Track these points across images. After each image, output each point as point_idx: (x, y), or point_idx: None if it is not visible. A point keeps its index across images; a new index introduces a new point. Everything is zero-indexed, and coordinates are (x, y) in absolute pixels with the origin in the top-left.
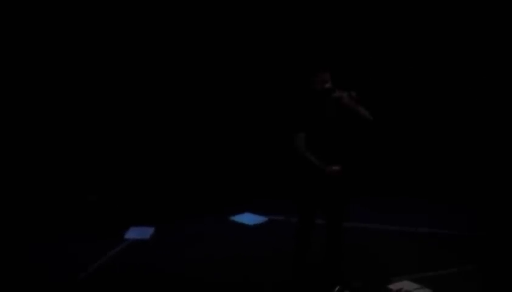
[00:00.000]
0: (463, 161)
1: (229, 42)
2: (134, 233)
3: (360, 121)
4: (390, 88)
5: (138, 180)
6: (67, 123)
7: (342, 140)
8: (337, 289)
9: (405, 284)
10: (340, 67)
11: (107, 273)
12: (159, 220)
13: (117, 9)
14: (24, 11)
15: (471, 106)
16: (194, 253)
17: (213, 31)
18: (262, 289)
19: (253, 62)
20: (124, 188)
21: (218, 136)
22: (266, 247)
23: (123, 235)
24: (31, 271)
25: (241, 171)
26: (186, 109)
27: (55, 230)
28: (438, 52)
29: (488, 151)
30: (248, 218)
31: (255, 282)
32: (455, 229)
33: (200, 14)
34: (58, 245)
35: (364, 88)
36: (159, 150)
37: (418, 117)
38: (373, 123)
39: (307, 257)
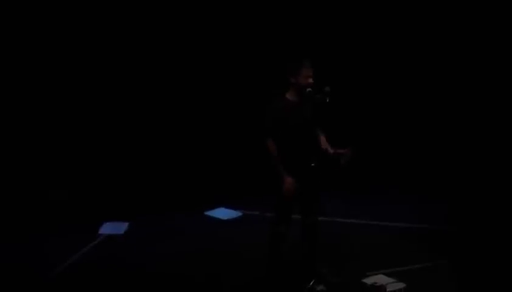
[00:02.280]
0: (438, 155)
1: (205, 38)
2: (108, 229)
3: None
4: (365, 78)
5: (112, 176)
6: (37, 118)
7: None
8: (311, 283)
9: (380, 278)
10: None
11: (81, 268)
12: (133, 215)
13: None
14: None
15: (446, 98)
16: (168, 248)
17: (191, 29)
18: (237, 284)
19: (229, 59)
20: (98, 183)
21: (192, 132)
22: (240, 242)
23: (97, 230)
24: (4, 268)
25: (215, 167)
26: (160, 104)
27: (27, 226)
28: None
29: (463, 145)
30: (222, 213)
31: (229, 277)
32: (430, 223)
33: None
34: (31, 242)
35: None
36: (133, 145)
37: (395, 110)
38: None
39: (283, 252)
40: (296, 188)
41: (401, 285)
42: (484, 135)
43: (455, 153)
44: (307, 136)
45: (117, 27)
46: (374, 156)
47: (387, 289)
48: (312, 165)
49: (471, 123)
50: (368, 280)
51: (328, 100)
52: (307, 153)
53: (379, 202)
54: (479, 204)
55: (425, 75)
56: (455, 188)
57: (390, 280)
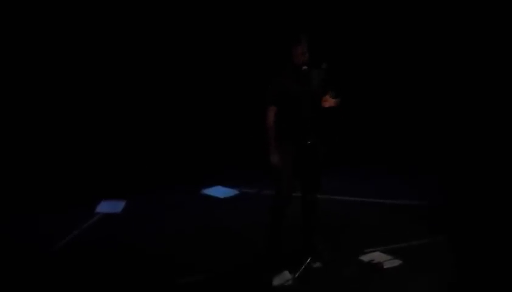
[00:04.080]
0: (435, 131)
1: (198, 17)
2: (105, 207)
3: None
4: (361, 58)
5: (109, 154)
6: (33, 98)
7: (321, 112)
8: (308, 260)
9: (377, 255)
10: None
11: (79, 247)
12: (130, 193)
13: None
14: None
15: (440, 74)
16: (165, 226)
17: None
18: (234, 263)
19: (228, 34)
20: (95, 161)
21: (190, 108)
22: (238, 220)
23: (94, 209)
24: (1, 245)
25: (212, 144)
26: (157, 81)
27: (25, 205)
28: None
29: (461, 122)
30: (219, 191)
31: (226, 255)
32: (428, 199)
33: None
34: (28, 220)
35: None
36: (129, 122)
37: (390, 87)
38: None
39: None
40: (288, 164)
41: (398, 262)
42: (480, 112)
43: (454, 130)
44: (308, 111)
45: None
46: (374, 133)
47: (384, 266)
48: (309, 143)
49: (469, 101)
50: (365, 257)
51: (324, 77)
52: (306, 129)
53: (377, 180)
54: (477, 180)
55: (416, 58)
56: (453, 165)
57: (387, 257)
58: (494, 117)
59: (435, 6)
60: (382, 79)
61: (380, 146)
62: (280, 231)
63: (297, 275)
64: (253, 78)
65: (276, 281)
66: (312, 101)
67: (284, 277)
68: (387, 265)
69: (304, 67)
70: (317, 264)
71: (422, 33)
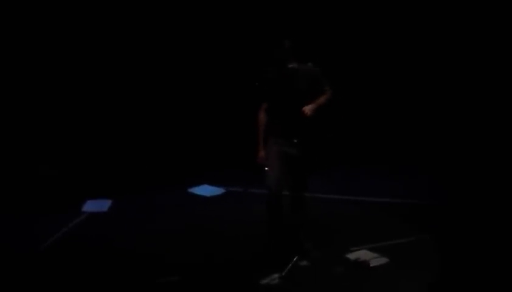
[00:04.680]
0: (423, 130)
1: (186, 11)
2: (91, 206)
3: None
4: (349, 54)
5: (95, 153)
6: (21, 98)
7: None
8: (295, 259)
9: (363, 253)
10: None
11: (65, 246)
12: (116, 193)
13: None
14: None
15: (429, 71)
16: (152, 225)
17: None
18: (221, 260)
19: (217, 31)
20: (81, 160)
21: (176, 107)
22: (224, 219)
23: (80, 208)
24: None
25: (198, 143)
26: (143, 80)
27: (10, 205)
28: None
29: (448, 120)
30: (205, 190)
31: (213, 253)
32: (414, 198)
33: None
34: (14, 220)
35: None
36: (115, 123)
37: (379, 84)
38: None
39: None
40: (275, 161)
41: (384, 260)
42: (468, 110)
43: (441, 129)
44: (294, 109)
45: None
46: (359, 132)
47: (370, 264)
48: (295, 141)
49: (458, 98)
50: (352, 256)
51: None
52: (292, 128)
53: (363, 178)
54: (463, 179)
55: (409, 56)
56: (442, 165)
57: (374, 255)
58: (483, 117)
59: (432, 4)
60: (373, 76)
61: (370, 145)
62: (275, 228)
63: (283, 273)
64: (239, 77)
65: (263, 280)
66: (298, 100)
67: (271, 275)
68: (373, 263)
69: (291, 65)
70: (304, 263)
71: (415, 31)
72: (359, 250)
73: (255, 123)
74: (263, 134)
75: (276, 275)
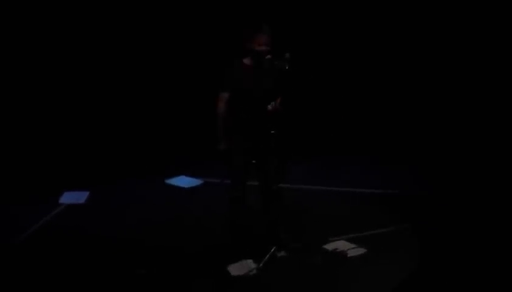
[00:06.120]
0: (403, 120)
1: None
2: (68, 198)
3: None
4: (331, 44)
5: (71, 144)
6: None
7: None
8: (272, 250)
9: (341, 244)
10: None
11: (42, 238)
12: (94, 184)
13: None
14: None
15: (414, 62)
16: (129, 216)
17: None
18: (199, 252)
19: (186, 18)
20: (57, 152)
21: (152, 98)
22: (201, 210)
23: (57, 199)
24: None
25: (175, 134)
26: (118, 71)
27: None
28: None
29: (431, 110)
30: (183, 181)
31: (191, 245)
32: (393, 188)
33: None
34: None
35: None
36: (92, 111)
37: (359, 73)
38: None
39: (244, 219)
40: (238, 154)
41: (362, 250)
42: (448, 99)
43: (421, 118)
44: (264, 104)
45: None
46: (340, 122)
47: (348, 255)
48: (272, 132)
49: (440, 89)
50: (329, 246)
51: (287, 67)
52: (263, 120)
53: (342, 169)
54: (444, 169)
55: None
56: (421, 154)
57: (351, 245)
58: (463, 106)
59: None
60: (354, 66)
61: (350, 135)
62: (237, 218)
63: (261, 264)
64: (214, 65)
65: (241, 270)
66: (269, 92)
67: (249, 267)
68: (350, 253)
69: (268, 56)
70: (282, 253)
71: (404, 27)
72: (336, 240)
73: (215, 113)
74: (223, 124)
75: (253, 266)
